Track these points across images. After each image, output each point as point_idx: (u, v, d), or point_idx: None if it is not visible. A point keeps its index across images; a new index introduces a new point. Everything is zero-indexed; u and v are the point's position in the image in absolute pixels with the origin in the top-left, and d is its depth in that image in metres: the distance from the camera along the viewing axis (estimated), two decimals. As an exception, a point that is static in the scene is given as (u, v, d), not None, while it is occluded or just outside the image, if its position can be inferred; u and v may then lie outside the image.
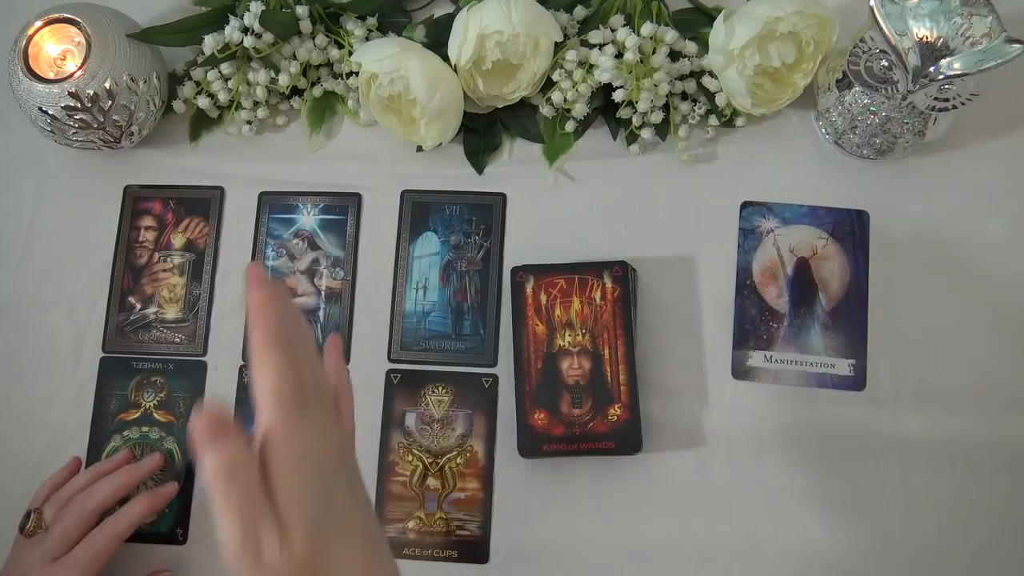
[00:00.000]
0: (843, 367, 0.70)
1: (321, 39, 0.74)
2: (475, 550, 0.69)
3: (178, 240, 0.77)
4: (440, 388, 0.72)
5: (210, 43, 0.73)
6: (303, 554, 0.40)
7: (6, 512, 0.70)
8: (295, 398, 0.42)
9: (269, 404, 0.42)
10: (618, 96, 0.71)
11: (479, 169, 0.76)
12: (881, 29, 0.61)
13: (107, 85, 0.70)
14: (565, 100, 0.72)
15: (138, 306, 0.76)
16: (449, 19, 0.73)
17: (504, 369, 0.72)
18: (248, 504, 0.40)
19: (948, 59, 0.60)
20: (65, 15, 0.71)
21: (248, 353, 0.47)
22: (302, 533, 0.40)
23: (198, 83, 0.76)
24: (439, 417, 0.71)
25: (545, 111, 0.74)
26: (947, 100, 0.63)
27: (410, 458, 0.71)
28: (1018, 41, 0.60)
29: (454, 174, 0.76)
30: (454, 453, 0.70)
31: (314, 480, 0.42)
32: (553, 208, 0.75)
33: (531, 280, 0.69)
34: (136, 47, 0.73)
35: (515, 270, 0.70)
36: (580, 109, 0.72)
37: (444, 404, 0.71)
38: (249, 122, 0.77)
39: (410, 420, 0.71)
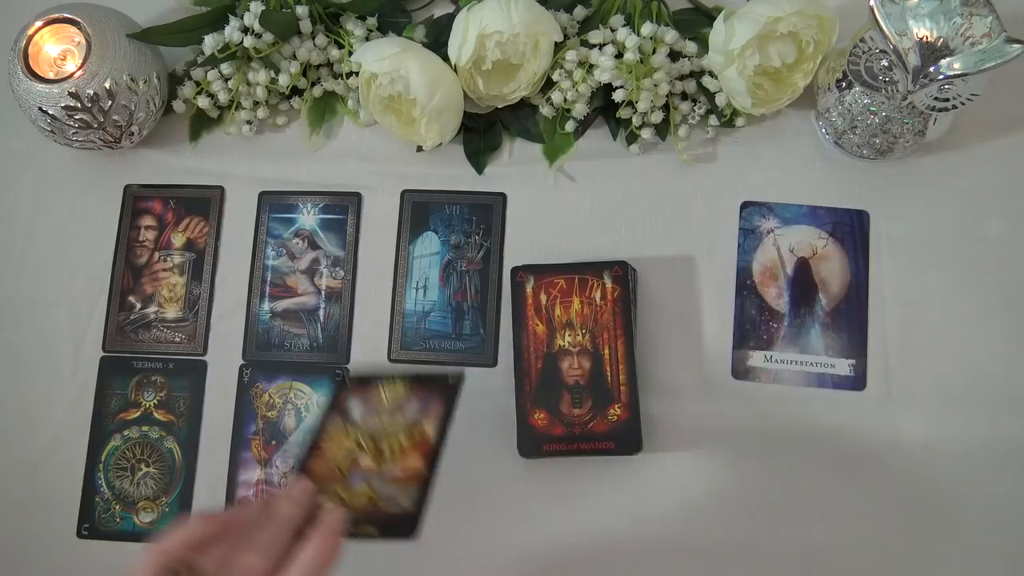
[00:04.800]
0: (843, 367, 0.70)
1: (321, 39, 0.74)
2: (402, 524, 0.57)
3: (178, 240, 0.77)
4: (396, 380, 0.61)
5: (210, 43, 0.73)
6: None
7: (6, 512, 0.70)
8: None
9: None
10: (618, 96, 0.71)
11: (479, 169, 0.76)
12: (881, 29, 0.61)
13: (107, 85, 0.70)
14: (565, 100, 0.72)
15: (138, 305, 0.76)
16: (449, 19, 0.73)
17: (504, 369, 0.72)
18: None
19: (948, 59, 0.60)
20: (65, 15, 0.71)
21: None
22: None
23: (198, 83, 0.76)
24: (390, 406, 0.61)
25: (545, 111, 0.74)
26: (947, 100, 0.63)
27: (346, 441, 0.59)
28: (1018, 41, 0.60)
29: (454, 174, 0.76)
30: (399, 434, 0.60)
31: None
32: (553, 208, 0.75)
33: (531, 280, 0.69)
34: (136, 47, 0.73)
35: (515, 270, 0.70)
36: (580, 109, 0.72)
37: (398, 394, 0.61)
38: (249, 122, 0.77)
39: (356, 407, 0.61)
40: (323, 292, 0.75)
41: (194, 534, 0.51)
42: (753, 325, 0.71)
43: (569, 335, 0.68)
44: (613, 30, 0.70)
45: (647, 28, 0.69)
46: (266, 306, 0.75)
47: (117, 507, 0.72)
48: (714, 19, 0.69)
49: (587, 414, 0.66)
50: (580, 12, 0.73)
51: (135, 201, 0.78)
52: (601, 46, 0.71)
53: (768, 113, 0.72)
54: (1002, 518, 0.67)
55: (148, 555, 0.50)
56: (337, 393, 0.63)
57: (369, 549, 0.70)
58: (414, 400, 0.62)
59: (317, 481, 0.59)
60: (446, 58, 0.70)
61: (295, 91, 0.77)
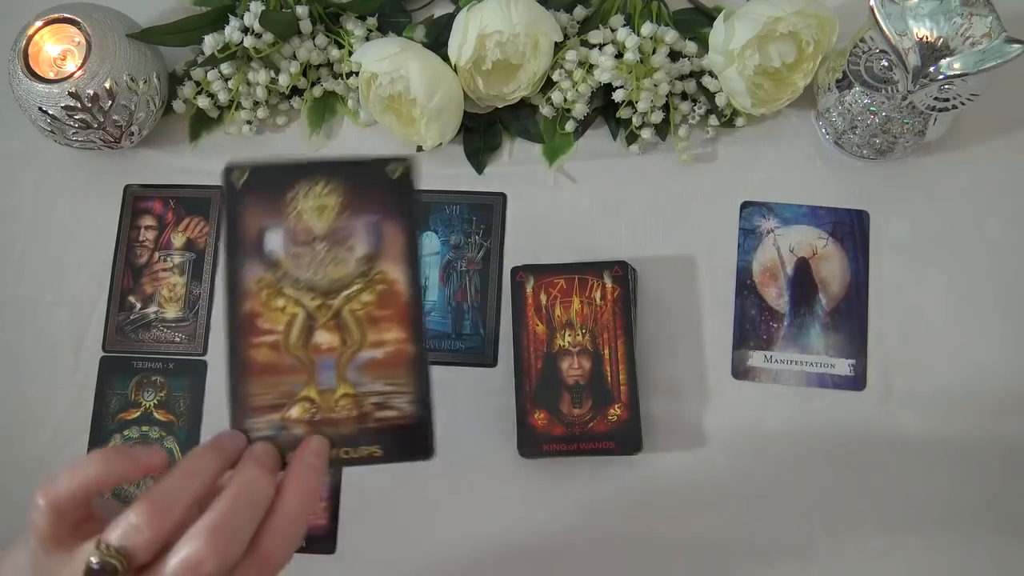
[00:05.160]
0: (843, 367, 0.70)
1: (321, 39, 0.74)
2: (410, 438, 0.45)
3: (178, 239, 0.77)
4: (321, 187, 0.46)
5: (210, 43, 0.73)
6: None
7: (6, 512, 0.70)
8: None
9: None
10: (618, 96, 0.71)
11: (479, 169, 0.76)
12: (881, 29, 0.61)
13: (107, 85, 0.70)
14: (565, 100, 0.72)
15: (138, 305, 0.76)
16: (449, 19, 0.73)
17: (504, 369, 0.72)
18: None
19: (948, 59, 0.60)
20: (65, 15, 0.71)
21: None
22: None
23: (198, 83, 0.76)
24: (323, 232, 0.46)
25: (545, 111, 0.74)
26: (947, 100, 0.63)
27: (281, 302, 0.45)
28: (1018, 41, 0.60)
29: (454, 174, 0.76)
30: (356, 288, 0.45)
31: None
32: (553, 208, 0.75)
33: (531, 280, 0.69)
34: (136, 47, 0.73)
35: (515, 270, 0.70)
36: (580, 109, 0.72)
37: (329, 211, 0.46)
38: (249, 122, 0.77)
39: (274, 241, 0.45)
40: (323, 292, 0.75)
41: (90, 477, 0.40)
42: (753, 325, 0.71)
43: (569, 335, 0.68)
44: (613, 30, 0.70)
45: (647, 28, 0.69)
46: (266, 306, 0.75)
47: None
48: (714, 19, 0.69)
49: (587, 414, 0.66)
50: (580, 12, 0.73)
51: (135, 201, 0.78)
52: (601, 46, 0.71)
53: (768, 113, 0.72)
54: (1002, 518, 0.66)
55: (36, 503, 0.40)
56: (232, 216, 0.44)
57: (370, 545, 0.70)
58: (357, 226, 0.46)
59: (270, 383, 0.45)
60: (446, 58, 0.70)
61: (295, 91, 0.77)
